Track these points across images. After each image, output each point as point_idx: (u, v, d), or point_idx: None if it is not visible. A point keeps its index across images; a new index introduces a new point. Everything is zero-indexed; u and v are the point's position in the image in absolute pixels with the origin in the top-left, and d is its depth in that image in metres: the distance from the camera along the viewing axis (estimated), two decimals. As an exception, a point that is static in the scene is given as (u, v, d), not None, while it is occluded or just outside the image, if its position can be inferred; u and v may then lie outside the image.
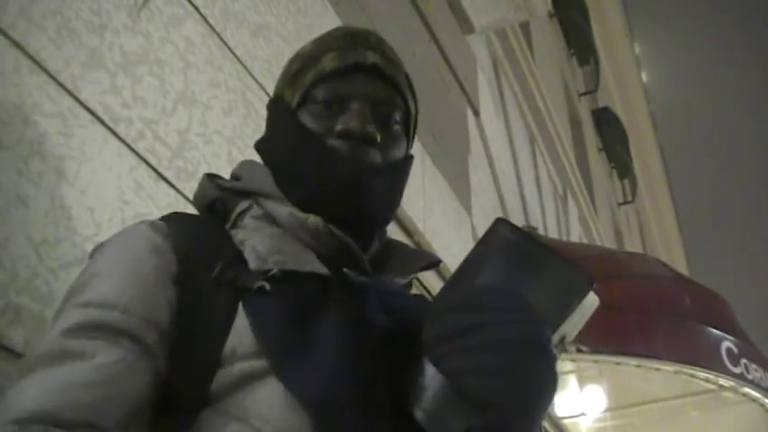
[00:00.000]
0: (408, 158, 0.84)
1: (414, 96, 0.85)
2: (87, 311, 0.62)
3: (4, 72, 0.99)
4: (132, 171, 1.19)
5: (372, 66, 0.78)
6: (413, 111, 0.84)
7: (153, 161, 1.24)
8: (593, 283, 0.60)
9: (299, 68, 0.81)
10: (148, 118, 1.26)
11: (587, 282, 0.60)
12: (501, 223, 0.64)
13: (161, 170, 1.25)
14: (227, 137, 1.45)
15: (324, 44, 0.81)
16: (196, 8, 1.48)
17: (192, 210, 1.31)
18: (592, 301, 0.61)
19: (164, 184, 1.26)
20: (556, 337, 0.60)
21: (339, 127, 0.75)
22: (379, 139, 0.76)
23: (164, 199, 1.25)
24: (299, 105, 0.79)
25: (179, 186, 1.29)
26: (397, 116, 0.80)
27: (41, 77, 1.05)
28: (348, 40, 0.80)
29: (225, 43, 1.56)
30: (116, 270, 0.66)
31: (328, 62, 0.78)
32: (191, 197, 1.30)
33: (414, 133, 0.87)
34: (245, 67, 1.61)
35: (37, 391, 0.57)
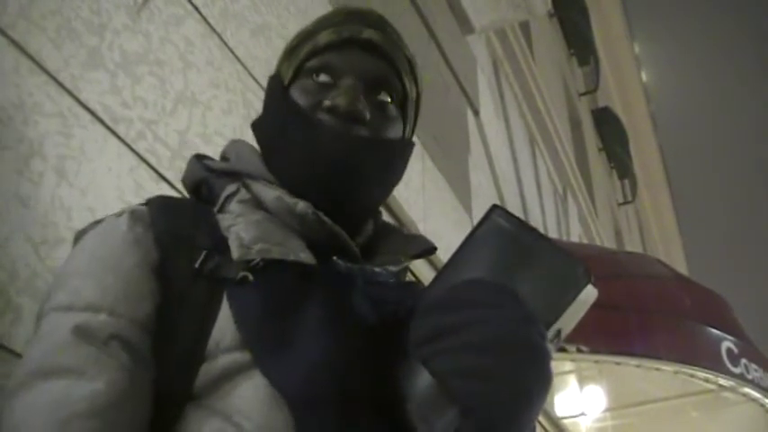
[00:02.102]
0: (404, 141, 0.80)
1: (415, 79, 0.81)
2: (72, 316, 0.60)
3: (3, 72, 0.99)
4: (132, 171, 1.19)
5: (368, 41, 0.75)
6: (411, 93, 0.80)
7: (153, 161, 1.24)
8: (591, 275, 0.57)
9: (297, 44, 0.79)
10: (148, 118, 1.26)
11: (585, 273, 0.57)
12: (495, 210, 0.61)
13: (161, 170, 1.25)
14: (227, 137, 1.45)
15: (323, 21, 0.79)
16: (196, 8, 1.48)
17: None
18: (589, 293, 0.58)
19: (164, 185, 1.26)
20: (551, 332, 0.57)
21: (327, 102, 0.72)
22: (368, 116, 0.73)
23: (164, 199, 1.25)
24: (292, 80, 0.77)
25: (179, 187, 1.29)
26: (393, 96, 0.76)
27: (41, 77, 1.05)
28: (347, 16, 0.78)
29: (225, 43, 1.56)
30: (96, 268, 0.64)
31: (324, 37, 0.76)
32: (191, 197, 1.30)
33: (415, 119, 0.83)
34: (246, 68, 1.61)
35: (30, 427, 0.54)
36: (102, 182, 1.12)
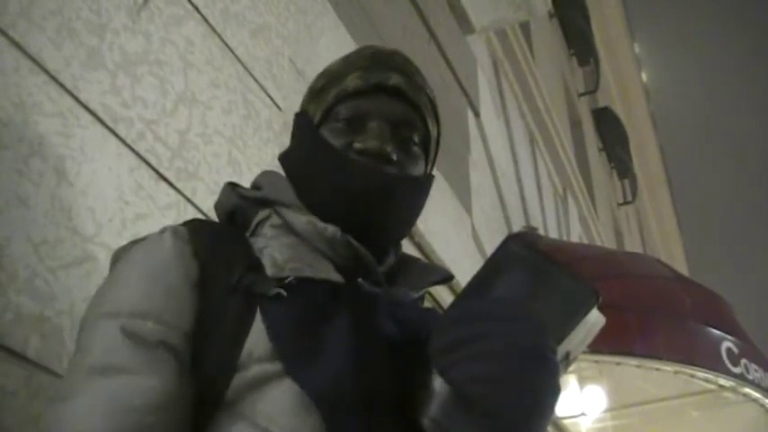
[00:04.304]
0: (427, 177, 0.86)
1: (437, 119, 0.88)
2: (121, 321, 0.64)
3: (4, 72, 0.99)
4: (132, 171, 1.19)
5: (394, 87, 0.81)
6: (433, 133, 0.87)
7: (153, 161, 1.24)
8: (599, 297, 0.62)
9: (324, 85, 0.84)
10: (148, 118, 1.26)
11: (592, 295, 0.62)
12: (510, 239, 0.66)
13: (161, 170, 1.25)
14: (228, 137, 1.45)
15: (349, 63, 0.84)
16: (196, 8, 1.48)
17: (191, 209, 1.31)
18: (597, 318, 0.63)
19: (164, 185, 1.26)
20: (561, 352, 0.61)
21: (358, 145, 0.78)
22: (395, 158, 0.78)
23: (164, 199, 1.25)
24: (321, 121, 0.82)
25: (179, 186, 1.29)
26: (416, 138, 0.83)
27: (41, 77, 1.05)
28: (373, 59, 0.83)
29: (225, 43, 1.56)
30: (143, 279, 0.68)
31: (351, 81, 0.81)
32: (191, 197, 1.30)
33: (435, 156, 0.90)
34: (246, 68, 1.61)
35: (89, 417, 0.58)
36: (103, 182, 1.12)
